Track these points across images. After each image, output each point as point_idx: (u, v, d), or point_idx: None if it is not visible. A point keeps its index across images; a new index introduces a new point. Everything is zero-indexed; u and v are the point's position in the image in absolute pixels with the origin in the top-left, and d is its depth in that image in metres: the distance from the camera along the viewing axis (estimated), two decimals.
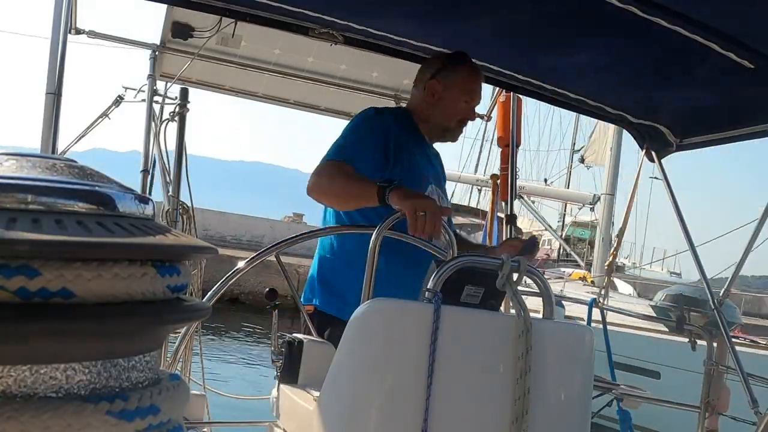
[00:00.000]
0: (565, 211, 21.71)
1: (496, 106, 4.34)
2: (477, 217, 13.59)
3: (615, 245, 5.72)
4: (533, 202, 17.76)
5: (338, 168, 2.27)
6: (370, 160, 2.33)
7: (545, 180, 22.89)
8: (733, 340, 3.39)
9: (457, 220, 16.06)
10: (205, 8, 2.83)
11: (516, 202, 4.24)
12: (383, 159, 2.37)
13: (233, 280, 2.31)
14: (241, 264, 2.38)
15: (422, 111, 2.55)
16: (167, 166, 3.48)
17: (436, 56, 2.67)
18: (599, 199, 17.40)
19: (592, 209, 19.93)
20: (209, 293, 2.25)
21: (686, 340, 3.63)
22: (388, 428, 1.56)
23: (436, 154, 2.72)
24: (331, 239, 2.52)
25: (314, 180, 2.29)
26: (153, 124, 3.48)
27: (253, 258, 2.38)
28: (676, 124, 3.20)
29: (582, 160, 22.10)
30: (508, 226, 3.90)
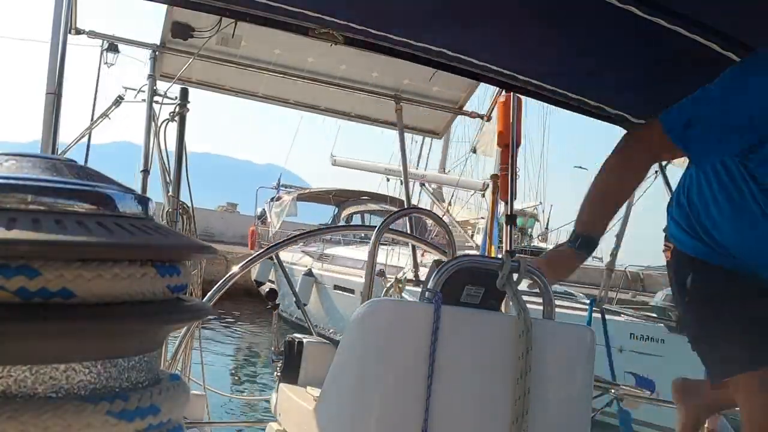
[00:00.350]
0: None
1: (496, 106, 4.35)
2: (393, 205, 13.95)
3: (615, 245, 5.72)
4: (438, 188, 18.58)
5: (628, 163, 1.90)
6: (716, 141, 1.81)
7: (444, 169, 23.46)
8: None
9: (369, 207, 16.84)
10: (205, 8, 2.83)
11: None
12: (748, 141, 1.77)
13: (233, 280, 2.33)
14: (235, 269, 2.40)
15: None
16: (167, 166, 3.48)
17: None
18: (488, 186, 17.61)
19: (483, 195, 20.31)
20: (209, 293, 2.25)
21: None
22: (388, 428, 1.56)
23: None
24: (692, 192, 1.97)
25: (606, 163, 1.91)
26: (153, 124, 3.47)
27: (252, 258, 2.40)
28: None
29: (474, 151, 22.37)
30: (508, 226, 3.89)
